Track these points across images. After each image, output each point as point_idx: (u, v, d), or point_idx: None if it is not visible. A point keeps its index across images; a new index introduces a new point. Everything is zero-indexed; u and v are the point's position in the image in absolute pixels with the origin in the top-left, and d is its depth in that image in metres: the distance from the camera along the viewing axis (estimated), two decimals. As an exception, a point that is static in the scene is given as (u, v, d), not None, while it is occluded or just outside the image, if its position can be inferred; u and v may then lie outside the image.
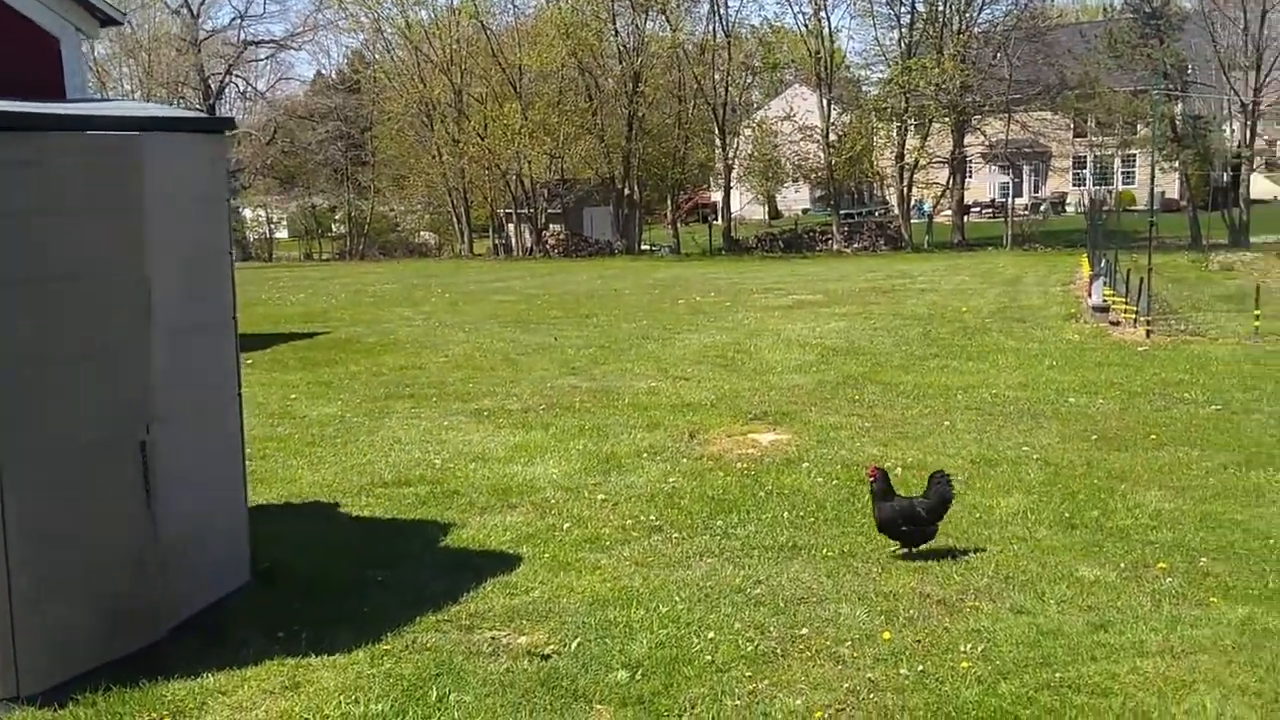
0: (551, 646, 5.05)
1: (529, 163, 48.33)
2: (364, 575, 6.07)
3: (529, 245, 50.43)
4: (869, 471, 6.41)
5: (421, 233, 59.47)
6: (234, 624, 5.30)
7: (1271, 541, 6.22)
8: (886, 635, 5.09)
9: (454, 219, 54.38)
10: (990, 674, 4.63)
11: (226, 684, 4.67)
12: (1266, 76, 42.22)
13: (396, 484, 8.15)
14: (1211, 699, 4.32)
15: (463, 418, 10.66)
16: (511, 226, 52.31)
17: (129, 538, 4.85)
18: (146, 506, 4.89)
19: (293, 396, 11.96)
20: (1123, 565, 5.95)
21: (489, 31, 49.59)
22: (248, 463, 6.24)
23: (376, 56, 56.82)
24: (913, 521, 6.17)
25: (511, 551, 6.48)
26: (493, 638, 5.18)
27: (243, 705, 4.49)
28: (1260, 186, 53.18)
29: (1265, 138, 57.42)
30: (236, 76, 57.98)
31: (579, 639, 5.11)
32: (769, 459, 8.72)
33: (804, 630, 5.20)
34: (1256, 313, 15.21)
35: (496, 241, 53.38)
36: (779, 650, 4.98)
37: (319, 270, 41.15)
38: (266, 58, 60.52)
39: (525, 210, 50.51)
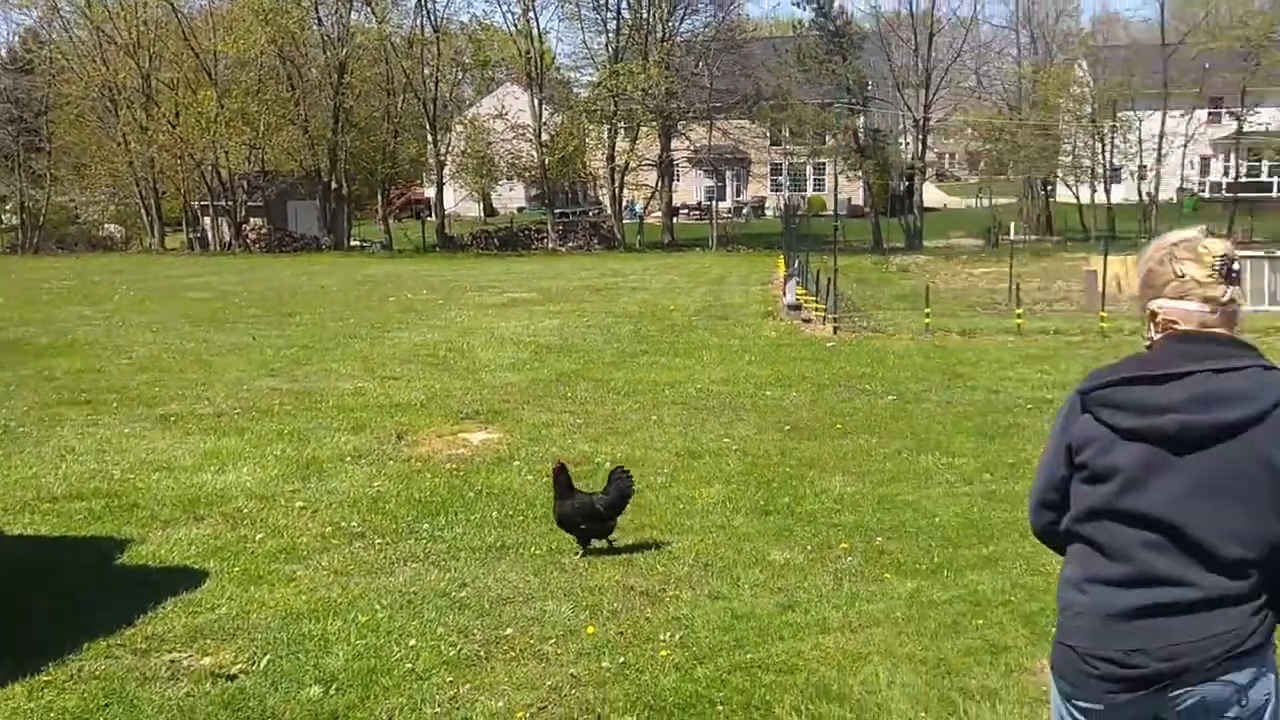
0: (239, 666, 4.74)
1: (226, 153, 45.74)
2: (24, 599, 5.48)
3: (227, 240, 47.73)
4: (554, 468, 6.40)
5: (106, 225, 54.88)
6: None
7: (937, 520, 6.79)
8: (590, 630, 5.13)
9: (143, 211, 50.59)
10: (687, 660, 4.77)
11: None
12: (934, 94, 46.49)
13: (67, 498, 7.43)
14: (883, 669, 4.64)
15: (147, 424, 9.89)
16: (208, 220, 49.29)
17: None
18: None
19: (-56, 406, 10.68)
20: (809, 547, 6.31)
21: (180, 15, 46.48)
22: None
23: (54, 36, 51.90)
24: (591, 519, 6.20)
25: (197, 567, 6.05)
26: (172, 661, 4.81)
27: None
28: (932, 195, 58.53)
29: (935, 150, 63.26)
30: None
31: (269, 656, 4.83)
32: (479, 459, 8.63)
33: (509, 630, 5.16)
34: (927, 310, 16.66)
35: (191, 236, 50.15)
36: (482, 653, 4.92)
37: (-17, 265, 37.12)
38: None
39: (223, 203, 47.75)
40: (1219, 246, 2.44)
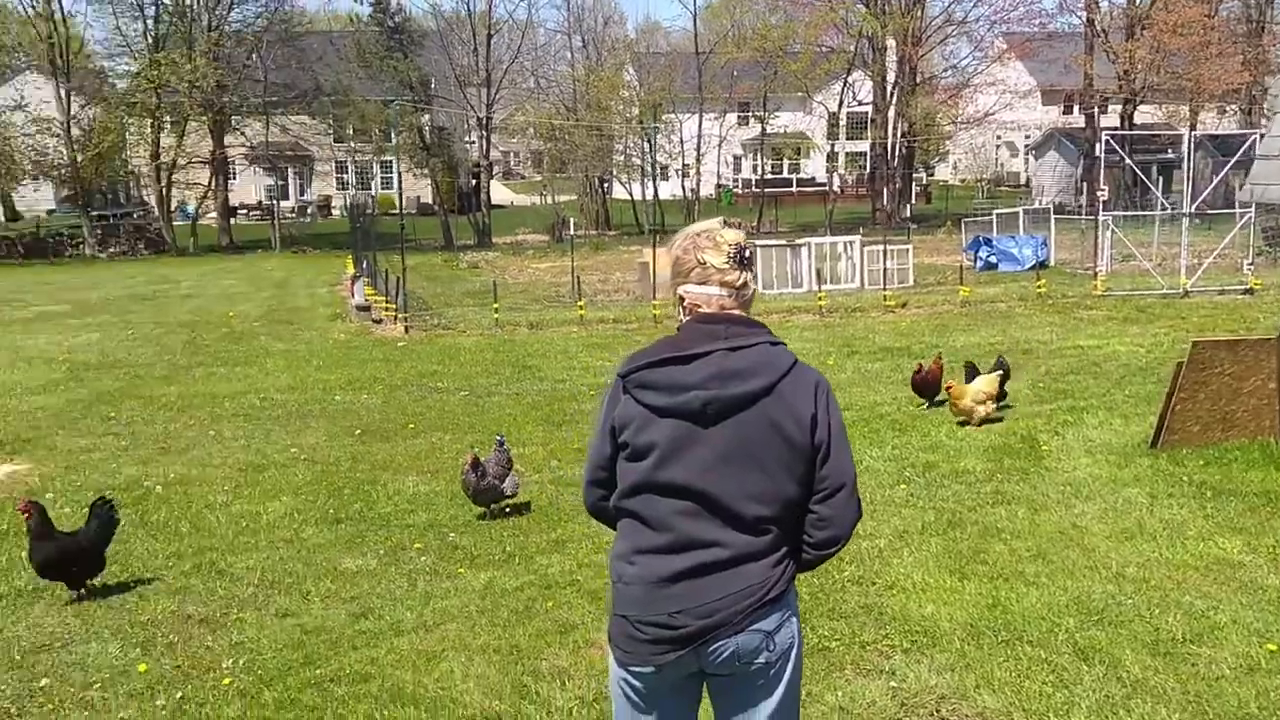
0: None
1: None
2: None
3: None
4: (20, 507, 5.67)
5: None
6: None
7: (510, 508, 6.95)
8: (143, 667, 4.74)
9: None
10: (254, 684, 4.54)
11: None
12: (496, 94, 47.53)
13: None
14: (458, 663, 4.70)
15: None
16: None
17: None
18: None
19: None
20: (383, 551, 6.24)
21: None
22: None
23: None
24: (80, 559, 5.59)
25: None
26: None
27: None
28: (499, 193, 59.87)
29: (500, 149, 64.75)
30: None
31: None
32: (4, 494, 7.66)
33: (45, 681, 4.64)
34: (495, 305, 17.03)
35: None
36: (14, 710, 4.38)
37: None
38: None
39: None
40: (733, 236, 2.68)
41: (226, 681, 4.57)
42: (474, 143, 52.90)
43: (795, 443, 2.57)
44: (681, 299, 2.69)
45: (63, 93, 41.24)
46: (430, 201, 51.12)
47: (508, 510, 6.85)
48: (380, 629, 5.09)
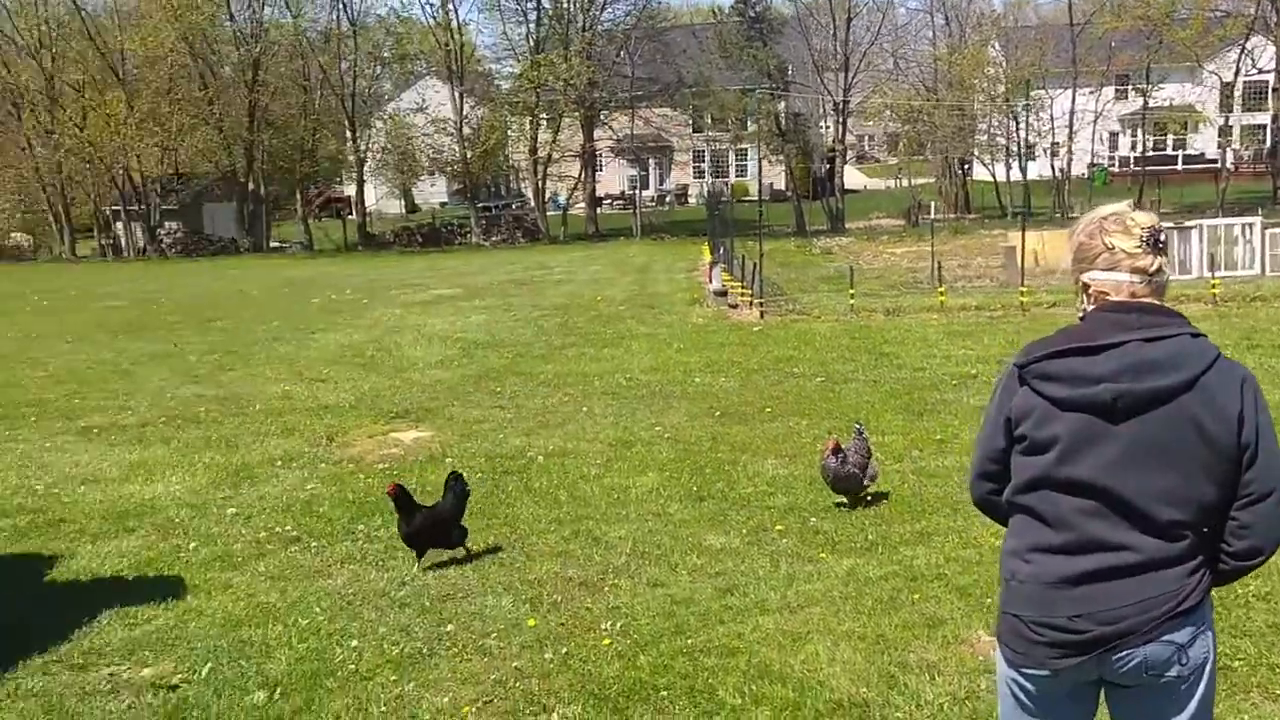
0: (180, 676, 4.69)
1: (137, 156, 44.59)
2: (-48, 624, 5.35)
3: (141, 245, 46.56)
4: (388, 490, 6.13)
5: (12, 234, 53.19)
6: None
7: (870, 497, 6.93)
8: (532, 622, 5.17)
9: (51, 218, 49.14)
10: (630, 648, 4.82)
11: None
12: (853, 78, 47.05)
13: (-12, 516, 7.25)
14: (823, 647, 4.75)
15: (68, 437, 9.68)
16: (120, 225, 48.03)
17: None
18: None
19: None
20: (745, 531, 6.41)
21: (84, 12, 45.19)
22: None
23: (-52, 36, 50.11)
24: (440, 528, 6.02)
25: (131, 578, 5.96)
26: (111, 674, 4.74)
27: None
28: (852, 177, 59.29)
29: (855, 133, 64.04)
30: None
31: (210, 664, 4.79)
32: (412, 458, 8.59)
33: (450, 627, 5.17)
34: (851, 291, 16.91)
35: (103, 242, 48.83)
36: (425, 650, 4.92)
37: (-116, 278, 35.78)
38: None
39: (136, 207, 46.57)
40: (1146, 219, 2.51)
41: (606, 642, 4.89)
42: (829, 127, 52.68)
43: (1218, 442, 2.37)
44: (1085, 287, 2.55)
45: (456, 95, 45.36)
46: (783, 188, 51.51)
47: (867, 499, 6.81)
48: (745, 606, 5.24)
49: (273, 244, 47.60)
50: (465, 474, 7.89)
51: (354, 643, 5.00)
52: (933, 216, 34.60)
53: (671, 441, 8.77)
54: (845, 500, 6.76)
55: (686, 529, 6.51)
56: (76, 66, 46.18)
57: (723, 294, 18.56)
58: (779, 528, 6.43)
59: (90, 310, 21.33)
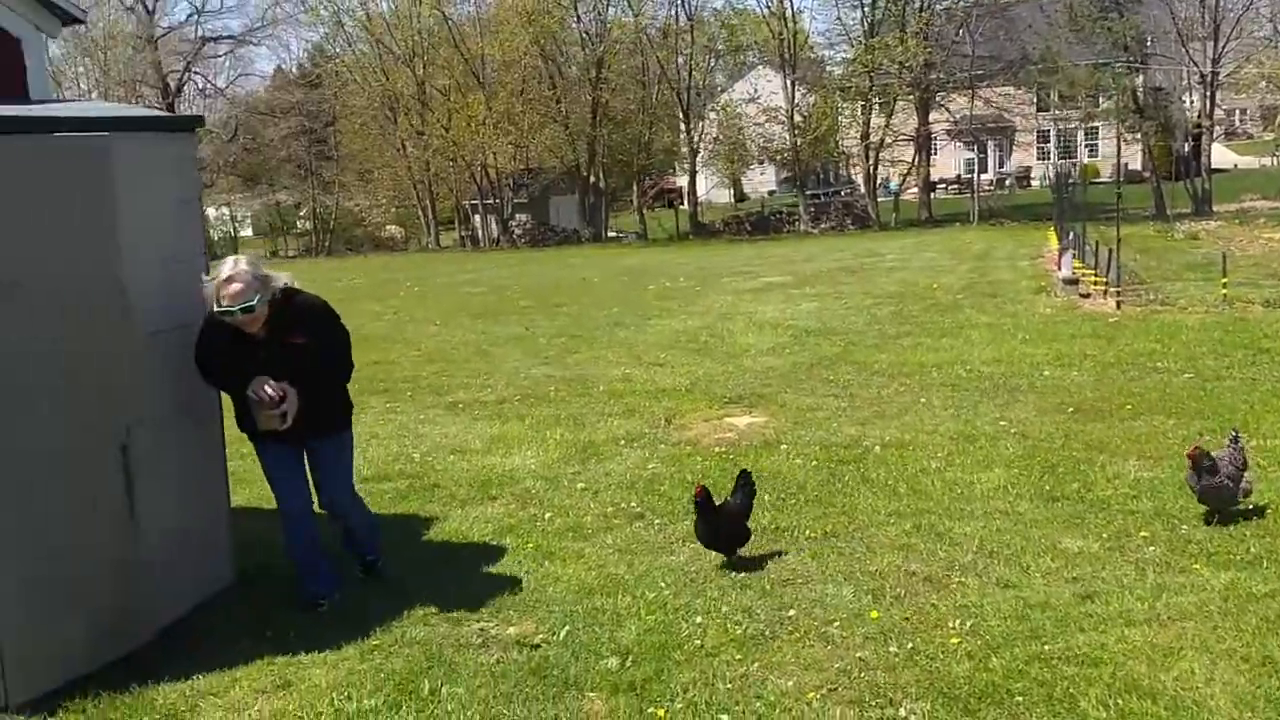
0: (540, 636, 5.03)
1: (494, 154, 48.10)
2: (348, 571, 6.03)
3: (495, 236, 50.23)
4: (695, 493, 5.89)
5: (387, 227, 59.10)
6: (221, 625, 5.26)
7: (1251, 507, 6.28)
8: (874, 614, 5.10)
9: (420, 212, 54.09)
10: (980, 649, 4.65)
11: (217, 685, 4.63)
12: (1224, 47, 42.64)
13: (375, 479, 8.09)
14: (1200, 664, 4.36)
15: (438, 411, 10.61)
16: (478, 218, 52.09)
17: (112, 542, 4.79)
18: (129, 510, 4.83)
19: (266, 395, 11.85)
20: (1105, 536, 6.00)
21: (450, 22, 49.28)
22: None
23: (338, 50, 56.34)
24: (730, 528, 5.90)
25: (494, 543, 6.46)
26: (481, 629, 5.16)
27: (235, 706, 4.45)
28: (1220, 156, 53.80)
29: (1224, 107, 58.05)
30: (195, 74, 57.43)
31: (567, 627, 5.10)
32: (746, 442, 8.72)
33: (791, 611, 5.21)
34: (1224, 280, 15.37)
35: (463, 233, 53.14)
36: (767, 632, 4.99)
37: (285, 267, 40.76)
38: (225, 54, 59.92)
39: (491, 201, 50.32)
40: None
41: (954, 641, 4.74)
42: (1193, 102, 48.08)
43: None
44: None
45: (788, 83, 45.43)
46: (1139, 168, 47.61)
47: (1240, 512, 6.16)
48: (1108, 614, 4.90)
49: (610, 234, 49.88)
50: (800, 462, 7.98)
51: (698, 619, 5.15)
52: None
53: (1018, 437, 8.35)
54: (1213, 515, 6.15)
55: (1038, 529, 6.18)
56: (443, 72, 50.44)
57: (1074, 282, 17.43)
58: (1144, 534, 5.96)
59: (454, 295, 23.27)
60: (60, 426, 4.56)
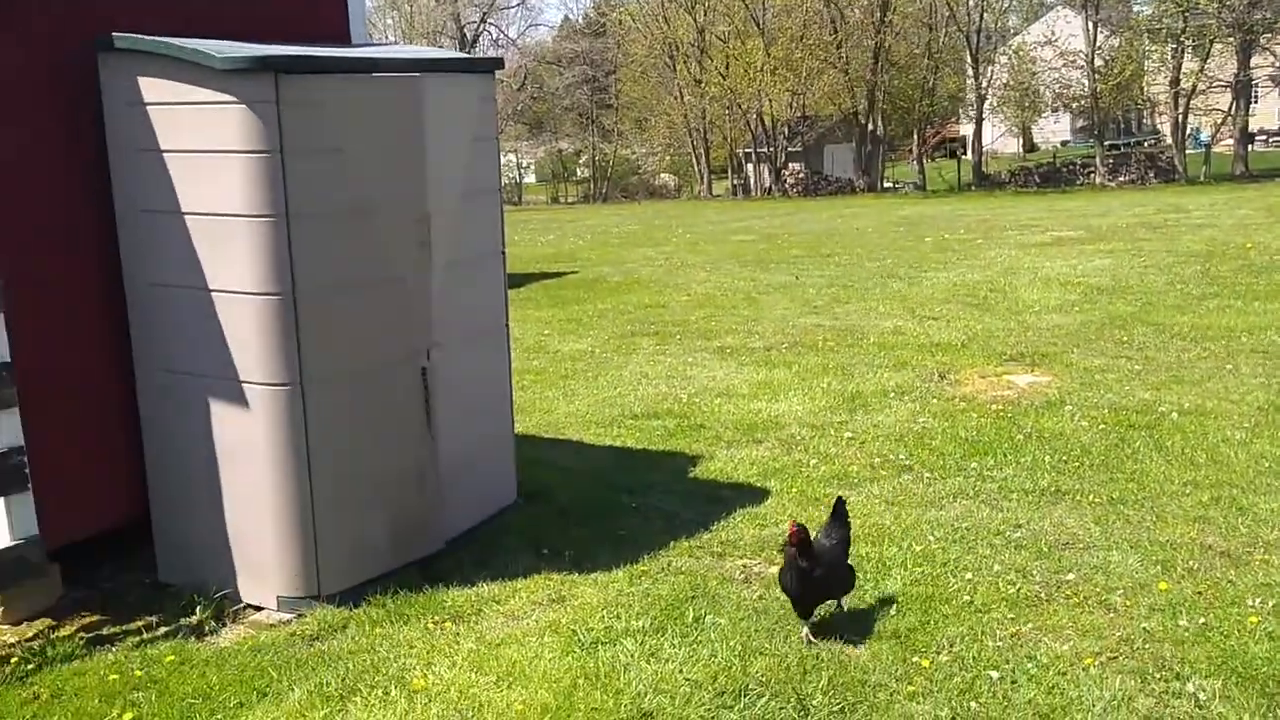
0: (804, 578, 5.05)
1: (770, 101, 47.79)
2: (618, 501, 6.28)
3: (767, 185, 50.02)
4: (790, 533, 4.42)
5: (661, 174, 60.15)
6: (504, 540, 5.62)
7: None
8: (1163, 585, 4.80)
9: (693, 160, 54.64)
10: (1285, 630, 4.30)
11: (499, 594, 4.97)
12: None
13: (645, 416, 8.35)
14: None
15: (706, 354, 10.78)
16: (750, 166, 52.03)
17: (413, 455, 5.21)
18: (427, 427, 5.24)
19: (546, 332, 12.44)
20: None
21: (733, -34, 49.14)
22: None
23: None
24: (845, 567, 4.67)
25: (758, 485, 6.53)
26: (744, 565, 5.26)
27: (514, 614, 4.77)
28: None
29: None
30: (490, 24, 60.21)
31: (897, 574, 5.09)
32: (1026, 401, 8.35)
33: (1070, 576, 4.98)
34: None
35: (735, 182, 53.26)
36: (1043, 595, 4.80)
37: (566, 213, 42.43)
38: (517, 4, 62.51)
39: (764, 149, 50.09)
40: None
41: (1253, 620, 4.40)
42: None
43: None
44: None
45: (1090, 25, 42.41)
46: None
47: None
48: None
49: (887, 184, 48.57)
50: (1086, 425, 7.56)
51: (968, 575, 5.03)
52: None
53: (1340, 411, 7.56)
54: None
55: (1361, 513, 5.60)
56: (724, 19, 50.46)
57: None
58: None
59: (724, 243, 23.45)
60: (372, 347, 4.99)
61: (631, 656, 4.25)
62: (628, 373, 10.03)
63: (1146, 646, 4.25)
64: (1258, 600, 4.57)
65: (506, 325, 6.03)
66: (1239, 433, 7.17)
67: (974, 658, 4.24)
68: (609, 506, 6.19)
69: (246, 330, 4.66)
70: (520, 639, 4.47)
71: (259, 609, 4.92)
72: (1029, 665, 4.14)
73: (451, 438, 5.37)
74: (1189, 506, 5.83)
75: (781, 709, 3.85)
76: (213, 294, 4.71)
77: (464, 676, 4.16)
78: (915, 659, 4.24)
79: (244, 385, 4.71)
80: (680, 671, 4.12)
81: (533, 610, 4.79)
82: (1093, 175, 42.45)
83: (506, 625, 4.64)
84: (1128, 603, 4.66)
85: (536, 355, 11.05)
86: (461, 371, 5.46)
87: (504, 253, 5.98)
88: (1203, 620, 4.42)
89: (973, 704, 3.90)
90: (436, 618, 4.71)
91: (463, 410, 5.47)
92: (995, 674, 4.10)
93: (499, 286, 5.92)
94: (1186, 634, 4.33)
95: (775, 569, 5.17)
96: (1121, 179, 41.53)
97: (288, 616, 4.82)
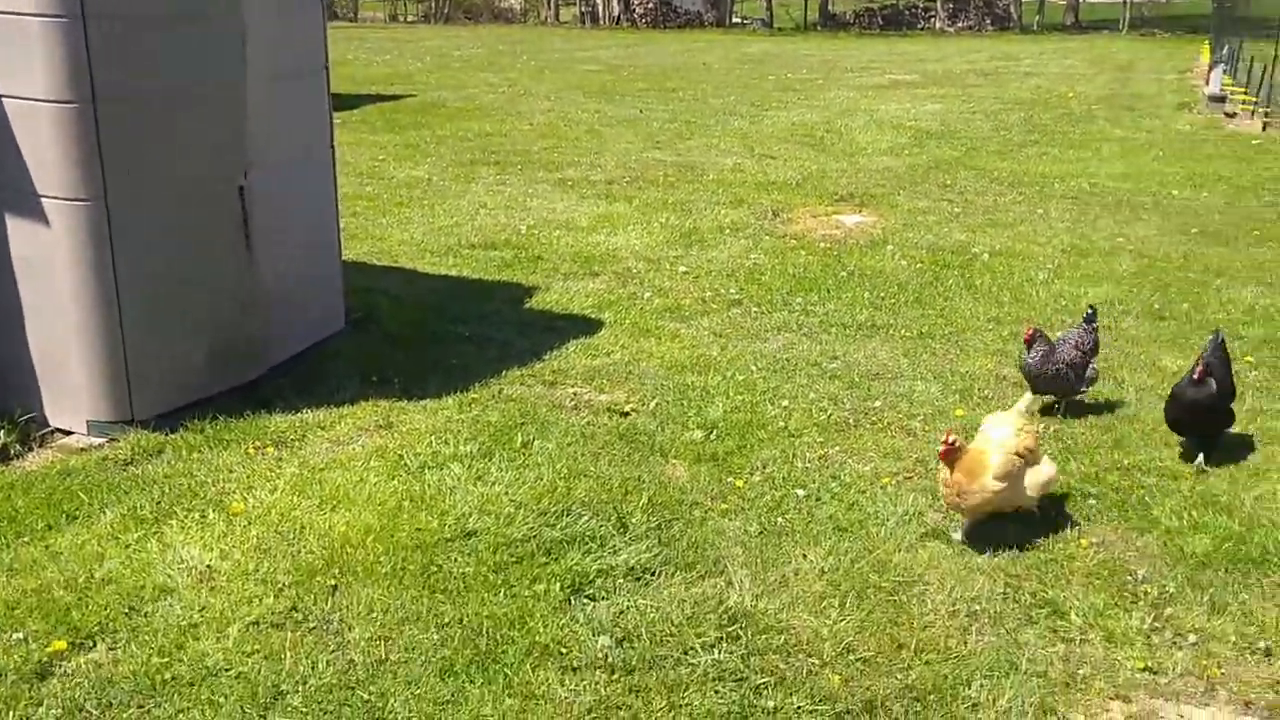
0: (630, 405, 5.22)
1: (618, -76, 46.03)
2: (451, 330, 6.27)
3: (616, 14, 48.71)
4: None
5: (507, -2, 57.66)
6: (330, 367, 5.56)
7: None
8: (959, 412, 5.16)
9: (540, -16, 52.49)
10: (1061, 453, 4.69)
11: (325, 420, 4.95)
12: None
13: (482, 246, 8.27)
14: (1281, 486, 4.36)
15: (547, 186, 10.67)
16: (599, -7, 50.37)
17: (232, 277, 5.04)
18: (246, 249, 5.06)
19: (381, 157, 12.04)
20: (1208, 357, 5.89)
21: None
22: (340, 219, 6.37)
23: None
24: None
25: (593, 316, 6.61)
26: (574, 394, 5.37)
27: (340, 439, 4.77)
28: None
29: None
30: None
31: (657, 400, 5.27)
32: (852, 240, 8.64)
33: (877, 403, 5.29)
34: (1387, 109, 14.30)
35: (583, 9, 51.60)
36: (851, 420, 5.10)
37: (404, 32, 40.46)
38: None
39: (614, -24, 48.45)
40: None
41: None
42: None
43: None
44: None
45: None
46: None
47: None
48: (1197, 433, 4.88)
49: (735, 19, 47.95)
50: (905, 264, 7.89)
51: (785, 403, 5.28)
52: None
53: (1134, 255, 8.10)
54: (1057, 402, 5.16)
55: (1139, 347, 6.09)
56: None
57: (1220, 100, 16.37)
58: (1249, 359, 5.83)
59: (569, 72, 22.90)
60: (180, 165, 4.73)
61: (458, 480, 4.34)
62: (465, 202, 9.86)
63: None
64: (1041, 426, 4.96)
65: (331, 146, 5.81)
66: (1042, 273, 7.62)
67: (784, 478, 4.50)
68: (441, 335, 6.17)
69: (43, 141, 4.36)
70: (345, 463, 4.49)
71: (68, 433, 4.76)
72: (833, 484, 4.42)
73: (273, 261, 5.22)
74: (990, 341, 6.23)
75: (602, 526, 4.02)
76: (4, 101, 4.36)
77: (285, 500, 4.17)
78: (730, 479, 4.47)
79: (42, 199, 4.44)
80: (506, 493, 4.23)
81: (359, 436, 4.80)
82: (934, 20, 42.94)
83: (331, 450, 4.65)
84: (926, 428, 5.00)
85: (370, 180, 10.71)
86: (283, 193, 5.26)
87: (328, 69, 5.71)
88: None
89: (780, 519, 4.15)
90: (258, 443, 4.67)
91: (285, 233, 5.30)
92: (802, 492, 4.36)
93: (322, 105, 5.67)
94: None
95: (605, 396, 5.31)
96: (960, 25, 42.16)
97: (99, 441, 4.69)
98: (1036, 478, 3.97)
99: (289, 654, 3.27)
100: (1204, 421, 4.58)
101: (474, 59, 26.18)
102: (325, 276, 5.88)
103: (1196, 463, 4.53)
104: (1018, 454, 3.93)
